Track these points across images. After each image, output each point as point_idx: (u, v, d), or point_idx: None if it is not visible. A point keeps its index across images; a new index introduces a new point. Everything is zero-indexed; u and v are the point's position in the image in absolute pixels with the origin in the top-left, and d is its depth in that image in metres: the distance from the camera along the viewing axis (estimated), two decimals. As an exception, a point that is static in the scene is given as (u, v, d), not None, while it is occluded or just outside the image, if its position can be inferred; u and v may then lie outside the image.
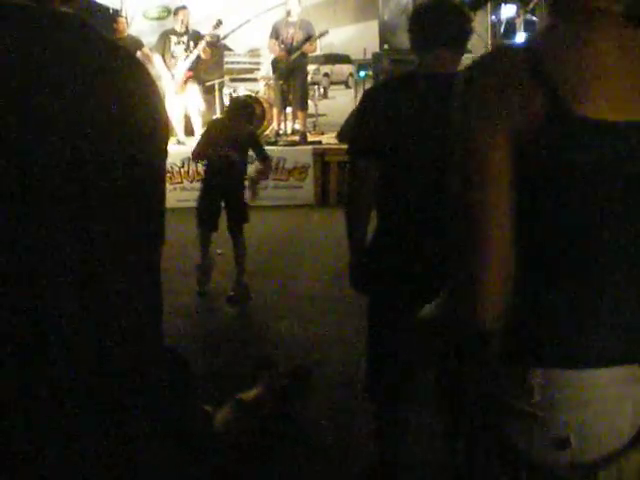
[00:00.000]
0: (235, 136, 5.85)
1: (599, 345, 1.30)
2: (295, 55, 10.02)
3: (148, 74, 1.42)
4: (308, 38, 10.10)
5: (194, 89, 10.12)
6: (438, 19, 2.68)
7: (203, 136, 6.25)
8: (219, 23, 10.24)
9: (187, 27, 10.10)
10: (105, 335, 1.33)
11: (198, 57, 10.02)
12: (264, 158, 6.09)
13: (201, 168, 9.31)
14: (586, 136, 1.27)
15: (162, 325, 1.53)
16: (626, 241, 1.31)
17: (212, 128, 6.29)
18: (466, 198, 1.30)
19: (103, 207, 1.28)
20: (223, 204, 5.95)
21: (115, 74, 1.31)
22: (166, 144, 1.48)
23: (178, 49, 10.02)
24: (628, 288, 1.31)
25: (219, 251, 6.09)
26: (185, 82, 10.05)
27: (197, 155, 6.12)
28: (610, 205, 1.29)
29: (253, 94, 10.95)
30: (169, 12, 12.51)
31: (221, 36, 10.56)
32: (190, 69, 10.03)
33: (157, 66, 10.32)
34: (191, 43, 9.98)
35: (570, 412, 1.29)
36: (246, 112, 6.12)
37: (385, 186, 2.78)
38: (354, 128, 2.94)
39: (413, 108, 2.64)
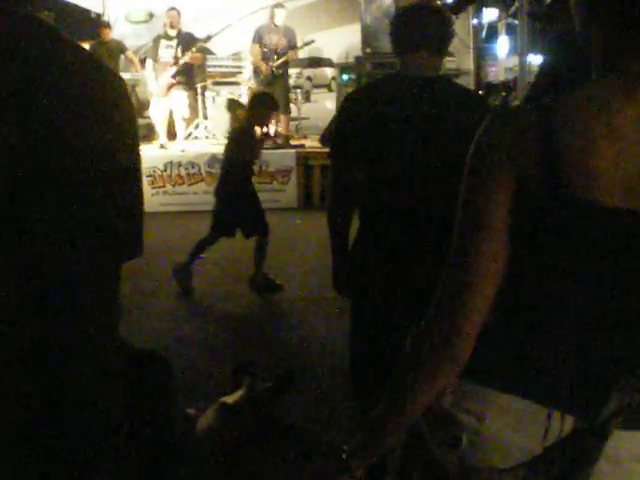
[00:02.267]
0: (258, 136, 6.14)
1: (512, 376, 1.36)
2: (278, 63, 10.04)
3: (115, 79, 1.41)
4: (292, 47, 10.13)
5: (180, 95, 10.09)
6: (418, 23, 2.69)
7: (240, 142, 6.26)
8: (208, 38, 10.25)
9: (179, 30, 10.08)
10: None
11: (187, 64, 10.00)
12: None
13: (184, 172, 9.33)
14: (581, 219, 1.25)
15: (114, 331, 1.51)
16: (599, 311, 1.32)
17: (241, 133, 6.32)
18: (461, 237, 1.34)
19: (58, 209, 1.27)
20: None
21: (76, 77, 1.31)
22: (133, 152, 1.46)
23: (165, 53, 10.00)
24: (564, 346, 1.34)
25: (202, 255, 6.09)
26: (169, 89, 10.01)
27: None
28: (592, 279, 1.30)
29: (236, 98, 10.94)
30: (152, 16, 12.50)
31: (206, 39, 10.54)
32: (174, 76, 9.99)
33: (147, 71, 10.30)
34: (180, 47, 9.95)
35: (467, 417, 1.37)
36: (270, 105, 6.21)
37: (367, 189, 2.79)
38: (335, 131, 2.95)
39: (393, 111, 2.66)
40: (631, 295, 1.30)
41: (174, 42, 10.00)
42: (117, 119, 1.37)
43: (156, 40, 10.19)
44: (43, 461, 1.32)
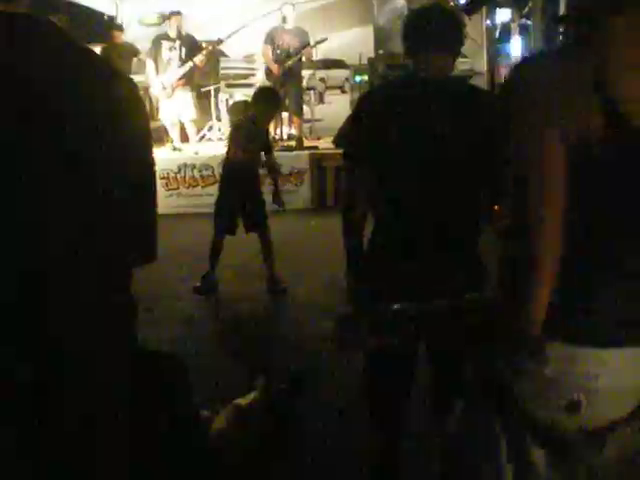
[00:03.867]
0: (258, 132, 6.06)
1: (612, 328, 1.41)
2: (292, 62, 10.04)
3: (127, 83, 1.41)
4: (304, 46, 10.12)
5: (185, 96, 10.09)
6: (430, 24, 2.69)
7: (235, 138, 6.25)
8: (219, 42, 10.26)
9: (180, 32, 10.07)
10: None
11: (192, 65, 10.01)
12: (272, 163, 6.44)
13: (198, 174, 9.35)
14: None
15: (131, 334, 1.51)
16: None
17: (240, 127, 6.33)
18: (527, 198, 1.39)
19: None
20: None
21: (88, 81, 1.31)
22: (146, 157, 1.46)
23: (171, 55, 10.00)
24: None
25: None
26: (173, 90, 10.02)
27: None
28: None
29: (249, 99, 10.95)
30: (164, 18, 12.51)
31: (218, 45, 10.56)
32: (181, 78, 9.99)
33: (147, 72, 10.31)
34: (183, 49, 9.95)
35: (582, 380, 1.40)
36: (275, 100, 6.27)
37: (381, 191, 2.78)
38: (349, 133, 2.95)
39: (407, 113, 2.65)
40: None
41: (177, 44, 10.00)
42: (130, 123, 1.37)
43: (156, 41, 10.20)
44: (47, 462, 1.33)
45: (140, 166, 1.41)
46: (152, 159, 1.51)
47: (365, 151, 2.75)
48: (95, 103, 1.31)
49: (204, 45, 10.22)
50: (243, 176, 6.01)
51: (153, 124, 11.27)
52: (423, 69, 2.70)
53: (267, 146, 6.31)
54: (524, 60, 1.43)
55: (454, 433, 1.80)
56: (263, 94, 6.32)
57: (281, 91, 10.28)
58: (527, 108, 1.38)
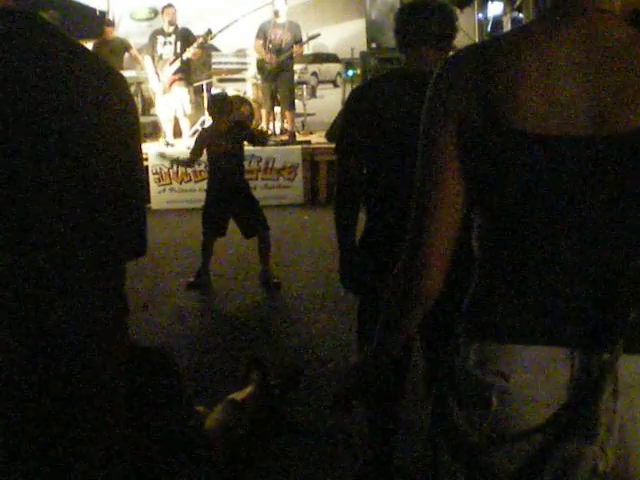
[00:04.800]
0: (225, 130, 6.01)
1: (526, 326, 1.38)
2: (283, 57, 10.03)
3: (117, 77, 1.41)
4: (298, 41, 10.11)
5: (181, 92, 10.07)
6: (422, 18, 2.69)
7: (195, 142, 6.33)
8: (209, 33, 10.22)
9: (176, 26, 10.04)
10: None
11: (187, 59, 9.98)
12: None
13: (190, 169, 9.35)
14: (515, 147, 1.31)
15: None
16: (562, 241, 1.36)
17: (203, 132, 6.44)
18: (419, 181, 1.46)
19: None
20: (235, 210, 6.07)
21: (77, 75, 1.31)
22: (136, 151, 1.46)
23: (165, 50, 9.97)
24: (565, 281, 1.37)
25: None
26: (170, 85, 10.00)
27: (190, 161, 6.46)
28: (541, 212, 1.35)
29: (241, 94, 10.94)
30: (156, 13, 12.48)
31: (210, 36, 10.52)
32: (176, 72, 9.97)
33: (146, 68, 10.29)
34: (178, 43, 9.93)
35: (494, 378, 1.39)
36: (223, 106, 6.15)
37: (373, 184, 2.80)
38: (340, 127, 2.95)
39: (398, 106, 2.66)
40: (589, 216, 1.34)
41: (172, 38, 9.96)
42: (119, 118, 1.37)
43: (153, 36, 10.16)
44: (46, 456, 1.33)
45: (129, 160, 1.41)
46: (141, 153, 1.51)
47: (357, 144, 2.76)
48: (85, 98, 1.31)
49: (193, 34, 10.17)
50: (227, 179, 6.02)
51: (147, 119, 11.27)
52: (415, 63, 2.71)
53: (250, 138, 6.36)
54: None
55: None
56: (214, 104, 6.32)
57: (273, 86, 10.30)
58: (429, 98, 1.43)
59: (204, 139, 6.20)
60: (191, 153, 6.35)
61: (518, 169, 1.33)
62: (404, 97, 2.68)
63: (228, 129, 6.03)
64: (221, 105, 6.12)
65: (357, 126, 2.75)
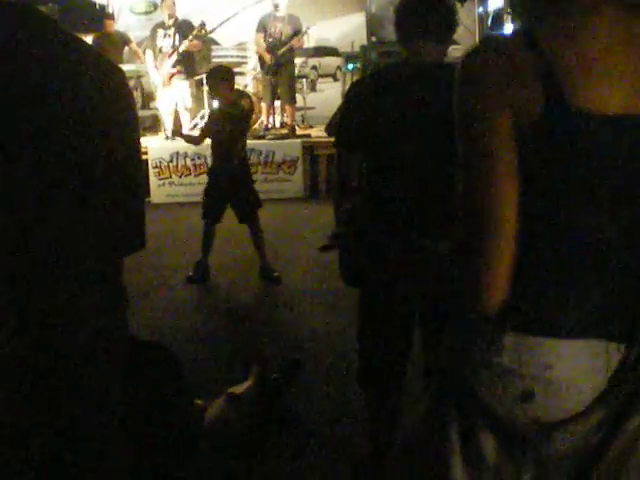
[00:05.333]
0: (225, 110, 5.98)
1: (567, 319, 1.40)
2: (283, 50, 10.01)
3: (115, 71, 1.41)
4: (296, 33, 10.09)
5: (181, 85, 10.05)
6: (422, 11, 2.69)
7: (205, 122, 6.44)
8: (203, 25, 10.18)
9: (176, 19, 10.02)
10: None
11: (187, 51, 9.95)
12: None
13: (190, 163, 9.35)
14: (583, 129, 1.30)
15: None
16: (612, 231, 1.37)
17: (212, 114, 6.44)
18: (472, 184, 1.37)
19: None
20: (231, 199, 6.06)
21: (76, 69, 1.30)
22: (133, 145, 1.46)
23: (165, 43, 9.95)
24: (603, 273, 1.39)
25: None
26: (170, 78, 9.99)
27: (198, 138, 6.51)
28: (600, 196, 1.35)
29: (241, 88, 10.93)
30: (156, 6, 12.48)
31: (208, 30, 10.49)
32: (174, 65, 9.95)
33: (146, 62, 10.28)
34: (177, 36, 9.90)
35: (536, 370, 1.40)
36: (224, 76, 6.08)
37: (372, 177, 2.80)
38: (340, 120, 2.95)
39: (398, 99, 2.66)
40: None
41: (171, 31, 9.92)
42: (117, 112, 1.37)
43: (153, 30, 10.14)
44: (46, 454, 1.33)
45: (128, 154, 1.41)
46: (139, 147, 1.51)
47: (356, 137, 2.76)
48: (83, 92, 1.31)
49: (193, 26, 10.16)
50: (227, 165, 5.99)
51: (147, 113, 11.26)
52: (415, 56, 2.70)
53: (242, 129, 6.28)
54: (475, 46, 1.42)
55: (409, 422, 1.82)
56: (211, 71, 6.31)
57: (273, 79, 10.28)
58: (475, 90, 1.37)
59: (212, 120, 6.20)
60: (201, 130, 6.39)
61: (583, 152, 1.32)
62: (404, 90, 2.67)
63: (233, 102, 6.03)
64: (217, 74, 6.10)
65: (357, 119, 2.75)
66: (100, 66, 1.38)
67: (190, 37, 9.86)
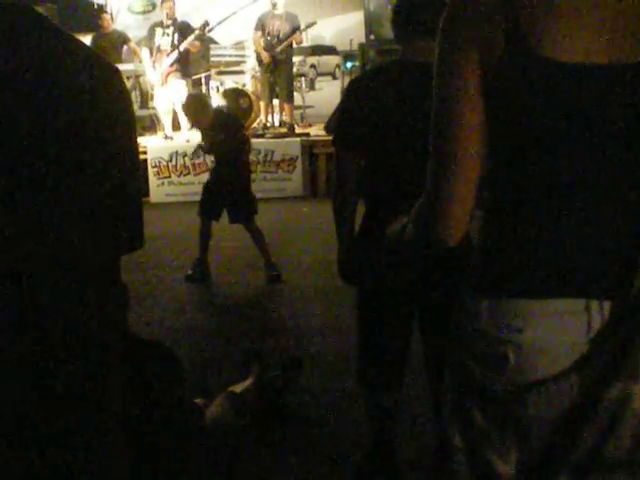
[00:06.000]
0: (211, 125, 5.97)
1: (539, 280, 1.39)
2: (282, 47, 10.01)
3: (112, 71, 1.41)
4: (294, 31, 10.09)
5: (178, 84, 10.05)
6: (419, 9, 2.69)
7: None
8: (206, 25, 10.19)
9: (175, 19, 10.02)
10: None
11: (185, 51, 9.95)
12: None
13: (189, 162, 9.36)
14: (543, 77, 1.31)
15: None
16: (582, 183, 1.36)
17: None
18: (439, 117, 1.40)
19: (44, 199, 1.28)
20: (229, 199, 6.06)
21: (71, 69, 1.31)
22: (130, 145, 1.46)
23: (163, 42, 9.95)
24: (576, 230, 1.38)
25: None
26: (167, 77, 9.99)
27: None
28: (567, 147, 1.35)
29: (240, 87, 10.93)
30: (154, 6, 12.47)
31: (207, 29, 10.50)
32: (172, 64, 9.95)
33: (144, 61, 10.28)
34: (176, 35, 9.90)
35: (509, 334, 1.39)
36: (196, 105, 6.07)
37: (371, 176, 2.80)
38: (338, 119, 2.95)
39: (396, 97, 2.66)
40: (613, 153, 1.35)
41: (170, 30, 9.92)
42: (114, 112, 1.37)
43: (151, 29, 10.14)
44: (43, 451, 1.34)
45: (125, 154, 1.41)
46: (137, 147, 1.51)
47: (354, 136, 2.76)
48: (79, 93, 1.31)
49: (191, 26, 10.16)
50: (227, 167, 6.00)
51: (146, 112, 11.25)
52: (412, 54, 2.70)
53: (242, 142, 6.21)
54: None
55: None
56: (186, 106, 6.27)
57: (272, 78, 10.29)
58: (443, 33, 1.43)
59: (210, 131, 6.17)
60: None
61: (543, 97, 1.32)
62: (402, 88, 2.67)
63: (212, 125, 5.96)
64: (192, 105, 6.09)
65: (355, 118, 2.75)
66: (97, 66, 1.38)
67: (192, 36, 9.86)
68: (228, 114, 6.67)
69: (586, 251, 1.37)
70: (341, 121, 2.90)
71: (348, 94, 2.87)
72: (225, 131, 5.94)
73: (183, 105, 6.54)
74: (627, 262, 1.36)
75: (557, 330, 1.37)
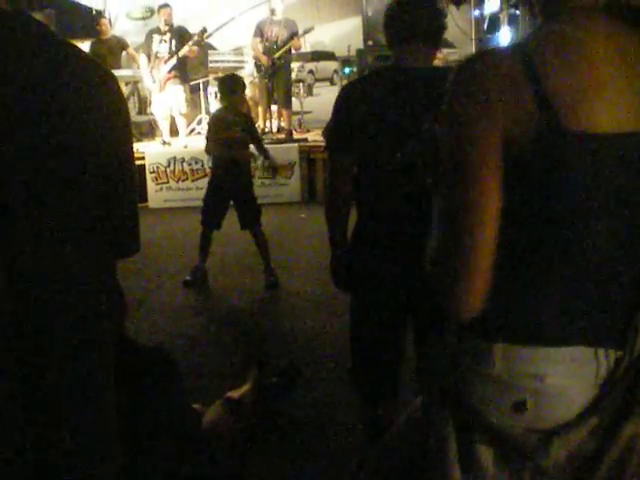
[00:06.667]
0: (234, 119, 6.00)
1: (558, 326, 1.40)
2: (281, 53, 10.02)
3: (107, 76, 1.41)
4: (292, 36, 10.10)
5: (176, 90, 10.05)
6: (411, 14, 2.69)
7: (208, 131, 6.35)
8: (204, 31, 10.20)
9: (172, 25, 10.03)
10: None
11: (183, 57, 9.95)
12: (260, 147, 6.44)
13: (187, 168, 9.37)
14: (579, 151, 1.29)
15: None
16: (599, 249, 1.37)
17: (212, 122, 6.40)
18: (454, 198, 1.35)
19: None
20: (232, 202, 6.09)
21: (66, 75, 1.31)
22: (125, 151, 1.46)
23: (161, 48, 9.96)
24: (589, 284, 1.39)
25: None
26: (165, 83, 9.99)
27: (207, 152, 6.41)
28: (590, 217, 1.34)
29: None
30: (152, 12, 12.47)
31: (205, 35, 10.51)
32: (170, 70, 9.96)
33: (141, 67, 10.29)
34: (174, 41, 9.91)
35: (527, 380, 1.39)
36: (233, 84, 6.14)
37: (364, 181, 2.80)
38: (331, 124, 2.95)
39: (387, 102, 2.66)
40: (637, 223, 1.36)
41: (167, 36, 9.94)
42: (110, 118, 1.37)
43: (149, 35, 10.16)
44: (39, 454, 1.34)
45: (120, 160, 1.42)
46: (132, 152, 1.52)
47: (348, 141, 2.77)
48: (75, 99, 1.31)
49: (189, 32, 10.16)
50: (229, 171, 6.00)
51: (144, 118, 11.26)
52: (404, 59, 2.70)
53: (251, 136, 6.30)
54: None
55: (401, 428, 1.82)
56: (226, 84, 6.26)
57: (270, 84, 10.30)
58: (462, 101, 1.33)
59: (213, 125, 6.21)
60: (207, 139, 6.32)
61: (573, 171, 1.30)
62: (394, 93, 2.67)
63: (238, 117, 6.02)
64: (230, 84, 6.11)
65: (348, 123, 2.75)
66: (93, 73, 1.38)
67: (191, 42, 9.87)
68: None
69: (595, 307, 1.40)
70: (333, 127, 2.90)
71: (340, 99, 2.86)
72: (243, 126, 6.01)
73: (219, 84, 6.51)
74: (630, 316, 1.40)
75: (572, 376, 1.40)
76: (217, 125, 6.09)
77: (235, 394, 3.54)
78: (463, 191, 1.32)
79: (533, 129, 1.27)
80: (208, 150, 6.33)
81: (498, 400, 1.43)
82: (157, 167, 9.42)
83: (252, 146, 6.32)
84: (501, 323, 1.42)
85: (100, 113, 1.34)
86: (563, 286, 1.39)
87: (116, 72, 10.36)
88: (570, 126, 1.27)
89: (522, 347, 1.40)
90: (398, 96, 2.65)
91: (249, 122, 6.29)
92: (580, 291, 1.39)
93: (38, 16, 1.38)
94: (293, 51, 10.55)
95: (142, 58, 10.19)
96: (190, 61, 10.32)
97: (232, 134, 5.95)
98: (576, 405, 1.40)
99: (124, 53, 11.30)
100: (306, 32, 10.64)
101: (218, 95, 10.56)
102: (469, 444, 1.49)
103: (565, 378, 1.39)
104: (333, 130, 2.90)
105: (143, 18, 13.16)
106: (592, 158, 1.29)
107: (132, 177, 1.50)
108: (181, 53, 9.84)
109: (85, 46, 11.12)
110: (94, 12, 12.22)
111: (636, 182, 1.33)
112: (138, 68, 10.93)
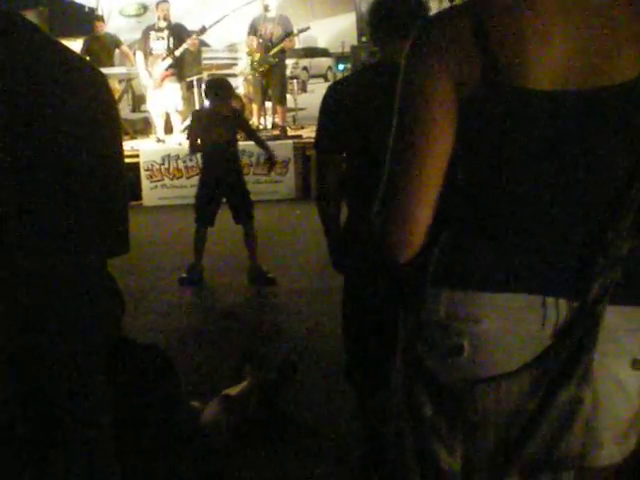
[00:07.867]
0: (221, 118, 5.97)
1: (498, 274, 1.40)
2: (274, 51, 10.01)
3: (96, 74, 1.41)
4: (287, 34, 10.09)
5: (172, 87, 10.04)
6: (394, 9, 2.69)
7: (191, 129, 6.30)
8: (203, 29, 10.18)
9: (169, 22, 10.00)
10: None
11: (180, 54, 9.94)
12: (257, 140, 6.43)
13: (182, 165, 9.35)
14: (521, 106, 1.33)
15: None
16: (547, 198, 1.38)
17: (196, 118, 6.39)
18: (405, 139, 1.43)
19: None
20: (224, 199, 6.08)
21: (54, 73, 1.31)
22: (114, 150, 1.46)
23: (158, 45, 9.93)
24: (537, 233, 1.40)
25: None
26: (162, 81, 9.98)
27: (192, 149, 6.35)
28: (536, 168, 1.37)
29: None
30: (145, 9, 12.45)
31: (203, 34, 10.50)
32: (167, 68, 9.94)
33: (137, 64, 10.27)
34: (171, 39, 9.89)
35: (465, 324, 1.41)
36: (224, 92, 6.10)
37: (352, 178, 2.81)
38: (318, 122, 2.95)
39: (374, 99, 2.66)
40: (573, 174, 1.36)
41: (165, 33, 9.91)
42: (99, 117, 1.37)
43: (145, 32, 10.12)
44: (35, 451, 1.34)
45: (110, 158, 1.42)
46: (122, 150, 1.52)
47: (335, 139, 2.77)
48: (65, 99, 1.31)
49: (186, 29, 10.14)
50: (219, 167, 6.01)
51: (138, 115, 11.24)
52: (389, 55, 2.71)
53: (245, 131, 6.33)
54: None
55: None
56: (212, 87, 6.24)
57: (264, 80, 10.29)
58: (412, 56, 1.40)
59: (198, 125, 6.18)
60: (188, 139, 6.31)
61: (516, 125, 1.33)
62: (380, 90, 2.67)
63: (225, 116, 6.00)
64: (218, 88, 6.09)
65: (335, 121, 2.76)
66: (83, 72, 1.38)
67: (189, 41, 9.85)
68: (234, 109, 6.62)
69: (546, 255, 1.39)
70: (321, 124, 2.90)
71: (327, 97, 2.87)
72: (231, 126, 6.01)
73: (206, 86, 6.47)
74: (586, 266, 1.37)
75: (513, 323, 1.39)
76: (204, 123, 6.07)
77: (232, 391, 3.55)
78: (406, 133, 1.43)
79: (479, 82, 1.32)
80: (193, 149, 6.32)
81: (439, 344, 1.44)
82: (152, 165, 9.40)
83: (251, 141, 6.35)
84: (448, 270, 1.45)
85: (88, 113, 1.34)
86: (507, 233, 1.41)
87: (110, 70, 10.35)
88: (509, 82, 1.31)
89: (464, 292, 1.41)
90: (382, 92, 2.66)
91: (239, 118, 6.29)
92: (526, 239, 1.40)
93: (30, 14, 1.38)
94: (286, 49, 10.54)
95: (139, 55, 10.15)
96: (186, 58, 10.30)
97: (220, 131, 5.95)
98: (515, 356, 1.39)
99: (117, 50, 11.28)
100: (301, 31, 10.63)
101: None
102: (411, 394, 1.50)
103: (505, 325, 1.38)
104: (320, 129, 2.91)
105: (136, 15, 13.13)
106: (524, 112, 1.33)
107: (121, 176, 1.50)
108: (178, 52, 9.82)
109: (78, 44, 11.10)
110: (87, 9, 12.20)
111: (567, 136, 1.34)
112: (132, 65, 10.91)
